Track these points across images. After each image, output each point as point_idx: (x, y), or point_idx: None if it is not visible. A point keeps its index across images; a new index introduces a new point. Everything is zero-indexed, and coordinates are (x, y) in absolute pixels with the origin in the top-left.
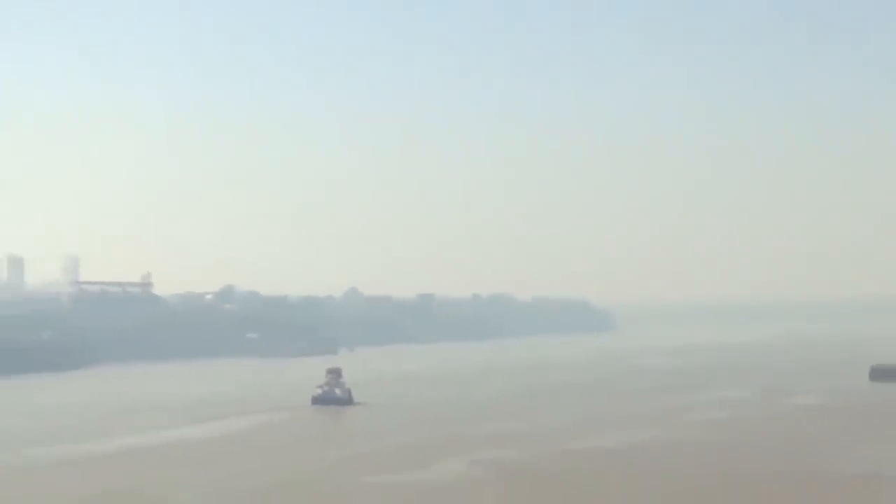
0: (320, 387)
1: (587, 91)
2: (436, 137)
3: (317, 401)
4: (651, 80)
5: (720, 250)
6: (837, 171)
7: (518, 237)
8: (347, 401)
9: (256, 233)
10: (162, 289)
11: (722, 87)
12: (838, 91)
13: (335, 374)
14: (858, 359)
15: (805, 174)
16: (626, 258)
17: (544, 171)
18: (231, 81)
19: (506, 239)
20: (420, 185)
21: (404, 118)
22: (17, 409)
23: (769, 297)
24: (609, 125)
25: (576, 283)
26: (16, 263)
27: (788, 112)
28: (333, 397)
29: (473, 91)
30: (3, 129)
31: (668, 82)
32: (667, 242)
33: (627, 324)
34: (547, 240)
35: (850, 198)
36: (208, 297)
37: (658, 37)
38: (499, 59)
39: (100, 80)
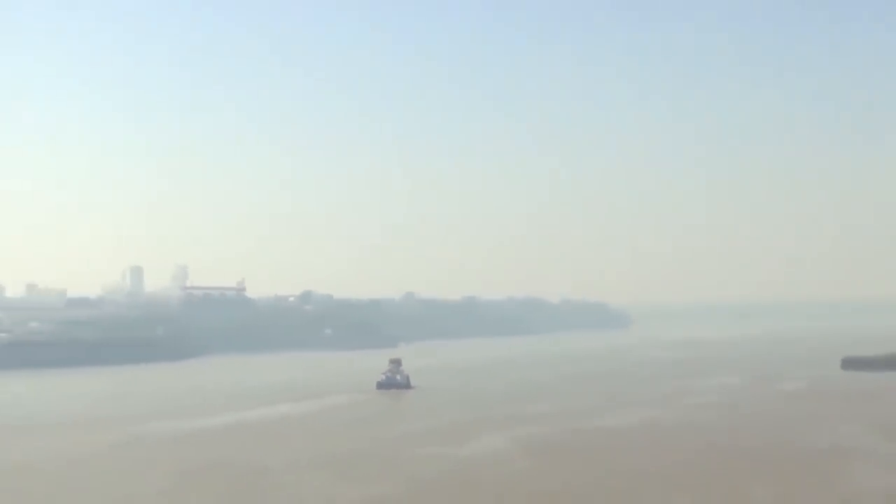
0: (383, 374)
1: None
2: (478, 160)
3: (381, 385)
4: (646, 95)
5: (716, 260)
6: (817, 189)
7: (546, 248)
8: (406, 385)
9: (330, 246)
10: (253, 292)
11: (713, 98)
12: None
13: (396, 363)
14: (831, 352)
15: (789, 191)
16: (637, 266)
17: (569, 191)
18: (298, 107)
19: (537, 249)
20: (463, 202)
21: (452, 141)
22: (140, 391)
23: (756, 299)
24: (621, 146)
25: (596, 287)
26: (136, 273)
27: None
28: (395, 382)
29: (509, 111)
30: (127, 159)
31: (663, 93)
32: (672, 253)
33: (639, 322)
34: (570, 250)
35: (829, 212)
36: (291, 299)
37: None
38: (526, 74)
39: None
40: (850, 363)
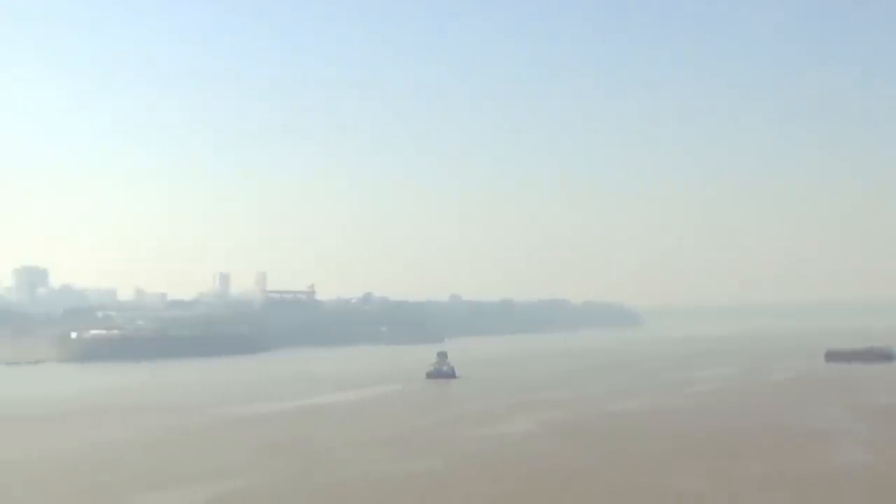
0: (432, 365)
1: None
2: (508, 172)
3: (430, 375)
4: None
5: (718, 264)
6: (806, 196)
7: (568, 255)
8: (451, 375)
9: (387, 254)
10: (321, 295)
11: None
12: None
13: (443, 356)
14: (816, 346)
15: (778, 199)
16: (649, 270)
17: (586, 201)
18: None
19: (561, 255)
20: (500, 215)
21: (486, 160)
22: (226, 380)
23: (752, 300)
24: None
25: (612, 288)
26: (224, 278)
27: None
28: (442, 372)
29: (525, 121)
30: (214, 179)
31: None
32: (679, 258)
33: (650, 321)
34: (589, 257)
35: (817, 217)
36: (353, 301)
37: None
38: (544, 80)
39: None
40: (833, 356)
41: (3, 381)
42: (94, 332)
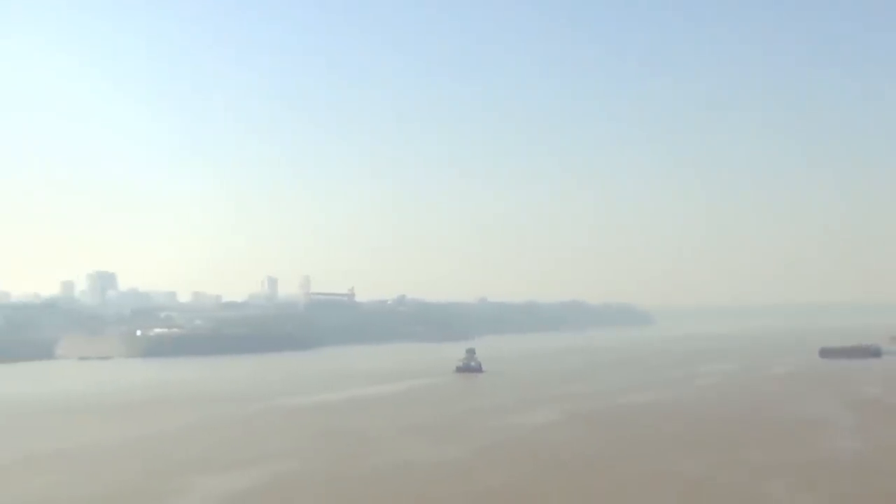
0: (461, 360)
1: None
2: (531, 184)
3: (459, 370)
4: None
5: (721, 266)
6: (803, 202)
7: (586, 260)
8: (479, 370)
9: (421, 258)
10: (361, 297)
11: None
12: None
13: (471, 352)
14: (811, 343)
15: (777, 206)
16: (658, 273)
17: (598, 211)
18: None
19: (580, 262)
20: (523, 224)
21: (509, 176)
22: (274, 375)
23: (754, 301)
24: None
25: (626, 291)
26: (272, 282)
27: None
28: (470, 367)
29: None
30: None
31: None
32: (685, 261)
33: (659, 321)
34: (605, 262)
35: (814, 222)
36: (389, 302)
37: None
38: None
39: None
40: (827, 352)
41: (78, 375)
42: (157, 330)
